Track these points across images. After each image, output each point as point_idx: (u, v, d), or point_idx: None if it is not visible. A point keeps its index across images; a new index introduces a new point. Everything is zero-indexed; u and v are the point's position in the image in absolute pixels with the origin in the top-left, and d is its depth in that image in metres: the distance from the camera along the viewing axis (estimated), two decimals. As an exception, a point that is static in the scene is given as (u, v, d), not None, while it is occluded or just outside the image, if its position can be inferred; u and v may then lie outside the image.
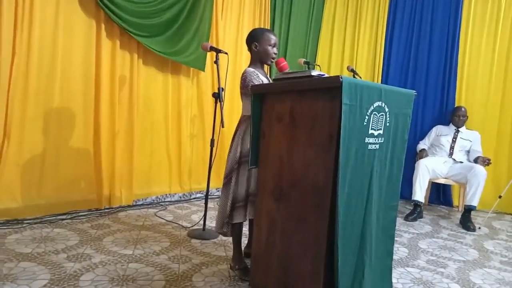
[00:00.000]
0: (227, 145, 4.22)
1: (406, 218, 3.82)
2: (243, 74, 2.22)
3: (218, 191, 4.26)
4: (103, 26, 3.21)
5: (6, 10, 2.72)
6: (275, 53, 2.29)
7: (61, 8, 3.00)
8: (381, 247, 1.89)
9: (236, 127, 2.29)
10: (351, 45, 5.02)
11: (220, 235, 2.32)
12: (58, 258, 2.28)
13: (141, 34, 3.37)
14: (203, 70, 3.95)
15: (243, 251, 2.35)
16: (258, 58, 2.29)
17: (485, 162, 3.87)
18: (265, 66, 2.37)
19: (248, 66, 2.29)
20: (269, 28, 4.64)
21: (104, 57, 3.25)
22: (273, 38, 2.27)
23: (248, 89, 2.14)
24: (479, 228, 3.67)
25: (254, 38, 2.27)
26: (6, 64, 2.75)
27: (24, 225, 2.78)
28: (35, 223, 2.84)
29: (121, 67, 3.39)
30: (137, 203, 3.63)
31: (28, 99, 2.88)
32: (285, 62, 2.18)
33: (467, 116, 4.34)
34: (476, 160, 3.98)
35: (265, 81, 2.24)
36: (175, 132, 3.92)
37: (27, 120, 2.89)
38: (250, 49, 2.31)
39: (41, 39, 2.91)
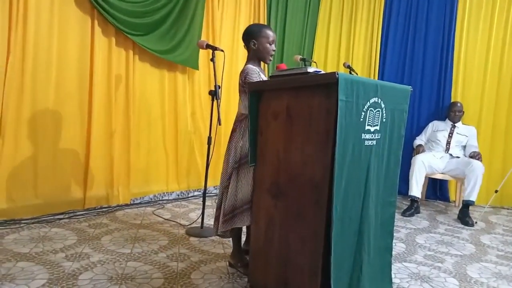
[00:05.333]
0: (224, 143, 4.22)
1: (404, 214, 3.83)
2: (243, 71, 2.15)
3: (216, 189, 4.25)
4: (98, 24, 3.20)
5: (0, 9, 2.71)
6: (273, 50, 2.23)
7: (56, 7, 2.99)
8: (380, 243, 1.90)
9: (234, 126, 2.22)
10: (347, 42, 5.01)
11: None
12: (56, 258, 2.27)
13: (135, 33, 3.36)
14: (197, 69, 3.93)
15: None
16: (256, 56, 2.23)
17: (475, 157, 3.90)
18: (262, 64, 2.31)
19: (247, 64, 2.23)
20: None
21: (100, 55, 3.25)
22: (271, 35, 2.20)
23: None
24: (476, 222, 3.69)
25: (252, 35, 2.20)
26: (1, 64, 2.74)
27: (21, 225, 2.78)
28: (33, 223, 2.84)
29: (117, 65, 3.38)
30: (135, 202, 3.63)
31: (23, 98, 2.86)
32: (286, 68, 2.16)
33: (463, 111, 4.36)
34: (471, 155, 4.00)
35: (264, 78, 2.19)
36: (172, 130, 3.92)
37: (22, 119, 2.88)
38: (247, 46, 2.24)
39: (36, 38, 2.89)
